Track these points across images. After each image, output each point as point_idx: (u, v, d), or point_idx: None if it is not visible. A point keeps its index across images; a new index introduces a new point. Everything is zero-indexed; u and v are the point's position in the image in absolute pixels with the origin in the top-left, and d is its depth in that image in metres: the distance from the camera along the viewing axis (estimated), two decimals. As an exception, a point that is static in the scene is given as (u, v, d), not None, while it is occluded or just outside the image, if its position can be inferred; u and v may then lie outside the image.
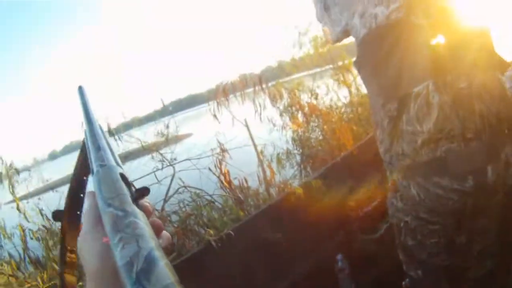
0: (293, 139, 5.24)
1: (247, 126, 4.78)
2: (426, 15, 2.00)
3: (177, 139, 4.82)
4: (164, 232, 0.75)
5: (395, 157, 2.18)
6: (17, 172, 3.82)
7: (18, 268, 3.62)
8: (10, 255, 3.70)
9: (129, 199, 0.67)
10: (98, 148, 0.80)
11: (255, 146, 4.73)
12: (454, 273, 2.28)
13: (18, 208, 3.77)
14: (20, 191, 3.89)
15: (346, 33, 2.37)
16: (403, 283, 2.83)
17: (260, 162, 4.69)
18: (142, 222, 0.63)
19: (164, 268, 0.56)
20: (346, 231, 3.94)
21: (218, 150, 4.47)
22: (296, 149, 5.19)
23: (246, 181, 4.44)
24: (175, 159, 4.49)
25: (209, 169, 4.40)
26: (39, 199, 4.21)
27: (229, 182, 4.32)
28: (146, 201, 0.74)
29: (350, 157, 4.29)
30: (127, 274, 0.56)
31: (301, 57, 6.19)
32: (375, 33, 2.12)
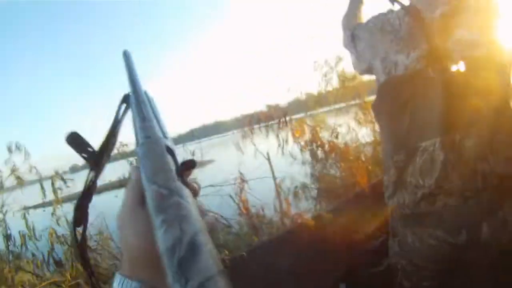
0: (311, 174, 5.39)
1: (268, 159, 4.94)
2: (444, 69, 2.02)
3: (199, 164, 4.96)
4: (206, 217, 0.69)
5: (397, 205, 2.24)
6: (63, 179, 3.99)
7: (40, 268, 3.82)
8: (34, 255, 3.86)
9: (174, 175, 0.65)
10: (143, 118, 0.77)
11: (274, 178, 4.89)
12: None
13: (53, 213, 3.97)
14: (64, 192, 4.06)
15: (369, 71, 2.38)
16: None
17: (278, 194, 4.85)
18: (187, 202, 0.62)
19: (208, 256, 0.56)
20: (352, 263, 4.07)
21: (239, 179, 4.60)
22: (313, 183, 5.33)
23: (263, 210, 4.62)
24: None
25: (230, 196, 4.57)
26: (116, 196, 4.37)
27: (247, 209, 4.51)
28: (194, 179, 0.74)
29: (362, 194, 4.42)
30: (169, 261, 0.55)
31: (328, 92, 6.31)
32: (393, 82, 2.17)
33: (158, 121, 0.79)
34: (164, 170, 0.66)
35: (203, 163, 5.00)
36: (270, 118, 4.95)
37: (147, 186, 0.64)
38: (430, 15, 2.15)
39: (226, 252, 3.57)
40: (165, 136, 0.76)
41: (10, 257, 3.78)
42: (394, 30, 2.20)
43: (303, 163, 5.43)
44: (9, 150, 3.81)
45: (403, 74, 2.12)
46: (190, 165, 0.71)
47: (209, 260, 0.55)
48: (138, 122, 0.78)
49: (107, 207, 3.99)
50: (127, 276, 0.67)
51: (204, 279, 0.52)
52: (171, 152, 0.71)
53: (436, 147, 2.01)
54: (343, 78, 6.25)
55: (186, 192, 0.64)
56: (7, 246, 3.82)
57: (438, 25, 2.13)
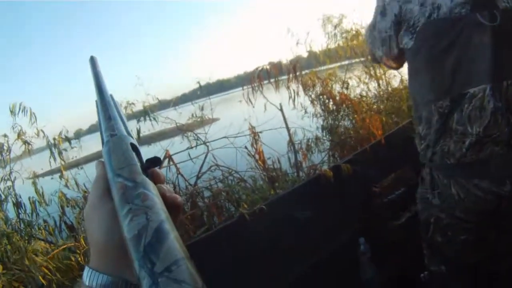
0: (323, 127, 5.33)
1: (281, 110, 4.88)
2: (492, 16, 1.97)
3: (207, 122, 4.90)
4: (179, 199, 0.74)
5: (439, 155, 2.19)
6: (68, 140, 3.94)
7: (53, 234, 3.80)
8: (45, 222, 3.83)
9: (139, 169, 0.69)
10: (108, 118, 0.81)
11: (288, 129, 4.84)
12: (480, 270, 2.35)
13: (61, 176, 3.92)
14: (71, 155, 4.09)
15: (398, 23, 2.26)
16: (422, 275, 2.90)
17: (292, 145, 4.80)
18: (152, 193, 0.65)
19: (174, 242, 0.58)
20: (370, 216, 4.04)
21: (252, 130, 4.55)
22: (326, 136, 5.27)
23: (279, 162, 4.60)
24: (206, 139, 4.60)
25: (246, 147, 4.54)
26: (81, 168, 4.34)
27: (264, 162, 4.47)
28: (157, 170, 0.75)
29: (378, 146, 4.38)
30: (135, 248, 0.57)
31: (333, 48, 6.25)
32: (436, 25, 2.09)
33: (123, 121, 0.83)
34: (129, 165, 0.69)
35: (209, 121, 4.91)
36: (280, 73, 4.85)
37: (112, 180, 0.68)
38: None
39: (245, 205, 3.50)
40: (129, 134, 0.80)
41: (22, 225, 3.72)
42: None
43: (315, 115, 5.35)
44: (12, 112, 3.68)
45: (447, 17, 2.05)
46: (154, 161, 0.74)
47: (175, 244, 0.57)
48: (103, 122, 0.81)
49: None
50: (94, 268, 0.70)
51: (170, 263, 0.54)
52: (135, 149, 0.76)
53: (486, 93, 1.97)
54: (346, 35, 6.16)
55: (151, 185, 0.67)
56: (18, 214, 3.77)
57: None
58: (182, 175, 4.30)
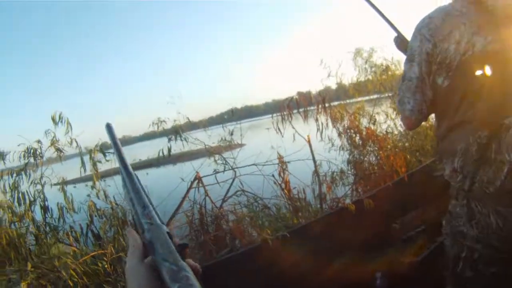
0: (349, 161, 5.39)
1: (309, 142, 4.94)
2: None
3: (234, 146, 4.97)
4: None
5: (478, 185, 2.21)
6: (103, 152, 4.00)
7: (79, 241, 3.89)
8: (72, 228, 3.91)
9: (179, 256, 0.89)
10: (143, 206, 1.01)
11: (314, 161, 4.91)
12: None
13: (92, 186, 3.99)
14: (106, 166, 4.11)
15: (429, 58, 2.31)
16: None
17: (317, 177, 4.87)
18: (190, 273, 0.85)
19: None
20: (389, 251, 4.08)
21: (280, 159, 4.64)
22: (350, 170, 5.33)
23: (304, 192, 4.67)
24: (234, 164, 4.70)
25: (273, 176, 4.62)
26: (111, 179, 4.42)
27: (289, 191, 4.56)
28: (192, 262, 0.94)
29: (401, 183, 4.44)
30: None
31: (363, 82, 6.33)
32: (472, 60, 2.16)
33: (154, 208, 1.03)
34: (171, 252, 0.89)
35: (235, 146, 4.98)
36: (309, 103, 4.92)
37: (161, 263, 0.87)
38: (491, 3, 2.20)
39: (268, 231, 3.59)
40: (162, 223, 0.99)
41: (48, 228, 3.84)
42: (462, 14, 2.22)
43: (341, 148, 5.40)
44: (53, 120, 3.81)
45: (483, 52, 2.14)
46: (184, 246, 0.94)
47: None
48: (139, 207, 1.02)
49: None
50: None
51: None
52: (170, 236, 0.95)
53: None
54: (375, 69, 6.24)
55: (187, 266, 0.86)
56: (44, 218, 3.87)
57: (501, 13, 2.18)
58: (209, 197, 4.41)
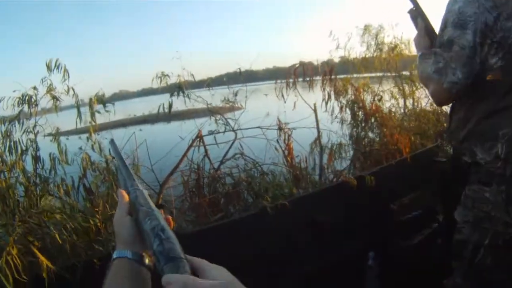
0: (351, 135, 5.31)
1: (315, 111, 4.90)
2: None
3: (236, 108, 4.86)
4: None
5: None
6: (103, 102, 3.85)
7: (70, 194, 3.68)
8: (63, 180, 3.72)
9: (154, 206, 1.19)
10: (133, 179, 1.35)
11: (318, 130, 4.88)
12: None
13: (88, 138, 3.84)
14: (100, 119, 3.90)
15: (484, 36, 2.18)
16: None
17: (320, 147, 4.83)
18: (160, 215, 1.14)
19: (170, 231, 1.07)
20: (384, 232, 4.06)
21: (285, 125, 4.61)
22: (351, 144, 5.27)
23: (306, 161, 4.63)
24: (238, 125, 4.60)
25: (277, 141, 4.54)
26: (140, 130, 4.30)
27: (292, 158, 4.51)
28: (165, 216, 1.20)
29: (403, 163, 4.41)
30: (151, 232, 1.05)
31: (370, 58, 6.25)
32: None
33: (137, 181, 1.37)
34: (148, 203, 1.21)
35: (239, 108, 4.87)
36: (315, 73, 4.83)
37: (140, 208, 1.18)
38: None
39: (268, 199, 3.52)
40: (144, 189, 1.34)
41: (38, 180, 3.68)
42: None
43: (343, 121, 5.32)
44: (48, 67, 3.63)
45: None
46: (161, 206, 1.27)
47: (170, 232, 1.08)
48: (128, 180, 1.36)
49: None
50: (122, 248, 1.17)
51: (168, 236, 1.04)
52: (149, 196, 1.28)
53: None
54: (381, 47, 6.17)
55: (159, 212, 1.17)
56: (35, 169, 3.73)
57: None
58: (209, 158, 4.33)
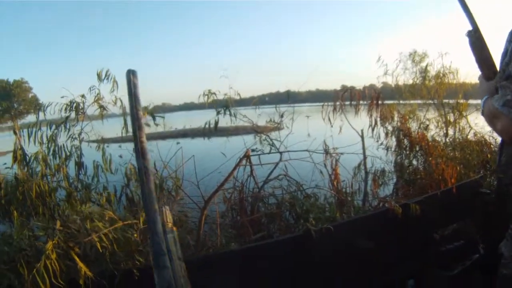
0: (395, 162, 5.26)
1: (362, 137, 4.92)
2: None
3: (279, 129, 4.84)
4: None
5: None
6: (152, 114, 3.87)
7: (112, 203, 3.78)
8: (105, 189, 3.83)
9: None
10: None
11: (364, 156, 4.89)
12: None
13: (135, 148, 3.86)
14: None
15: None
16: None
17: (365, 173, 4.84)
18: None
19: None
20: (425, 261, 4.03)
21: (333, 150, 4.63)
22: (395, 171, 5.22)
23: (352, 187, 4.62)
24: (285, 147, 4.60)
25: (324, 165, 4.55)
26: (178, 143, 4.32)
27: (338, 182, 4.51)
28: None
29: (449, 194, 4.34)
30: None
31: (418, 85, 6.21)
32: None
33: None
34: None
35: (279, 128, 4.85)
36: (362, 98, 4.81)
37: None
38: None
39: (313, 222, 3.51)
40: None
41: (79, 186, 3.78)
42: None
43: (388, 148, 5.27)
44: (99, 77, 3.72)
45: None
46: None
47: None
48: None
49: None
50: None
51: None
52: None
53: None
54: (424, 75, 6.13)
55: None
56: (78, 174, 3.81)
57: None
58: (254, 178, 4.35)
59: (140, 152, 1.47)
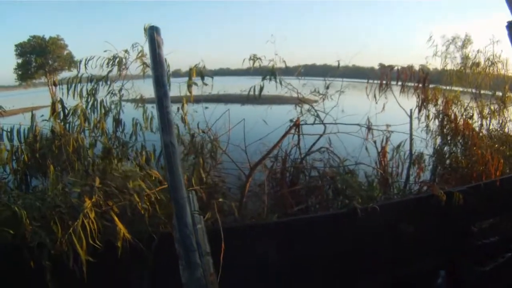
0: (436, 147, 5.16)
1: (411, 116, 4.83)
2: None
3: (312, 101, 4.73)
4: None
5: None
6: (202, 75, 3.82)
7: (150, 163, 3.73)
8: (144, 147, 3.79)
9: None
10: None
11: (411, 138, 4.79)
12: None
13: (180, 108, 3.85)
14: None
15: None
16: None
17: (410, 155, 4.74)
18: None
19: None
20: (459, 253, 3.99)
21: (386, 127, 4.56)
22: (436, 157, 5.12)
23: (397, 167, 4.55)
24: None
25: (374, 142, 4.48)
26: (206, 107, 4.28)
27: (386, 162, 4.45)
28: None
29: (492, 186, 4.27)
30: None
31: (462, 71, 6.03)
32: None
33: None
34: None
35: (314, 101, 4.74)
36: (409, 79, 4.73)
37: None
38: None
39: (359, 200, 3.53)
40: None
41: (117, 143, 3.74)
42: None
43: (431, 132, 5.19)
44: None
45: None
46: None
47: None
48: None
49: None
50: None
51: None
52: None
53: None
54: (470, 61, 5.93)
55: None
56: (115, 131, 3.78)
57: None
58: (299, 148, 4.29)
59: (166, 125, 1.24)
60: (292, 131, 4.18)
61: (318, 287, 3.33)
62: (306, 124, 4.40)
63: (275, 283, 3.10)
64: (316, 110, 4.46)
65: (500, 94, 5.89)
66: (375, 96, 4.63)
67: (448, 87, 5.87)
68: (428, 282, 3.71)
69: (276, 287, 3.15)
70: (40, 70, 53.61)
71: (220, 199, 3.30)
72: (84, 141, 3.48)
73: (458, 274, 3.82)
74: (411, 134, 4.81)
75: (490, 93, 6.04)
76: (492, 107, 5.80)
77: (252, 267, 2.92)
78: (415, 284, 3.62)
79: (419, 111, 4.94)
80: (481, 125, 5.72)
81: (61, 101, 3.60)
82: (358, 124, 4.49)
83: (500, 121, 5.88)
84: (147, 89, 3.96)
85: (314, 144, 4.34)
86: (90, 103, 3.69)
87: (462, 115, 5.38)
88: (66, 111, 3.61)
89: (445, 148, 5.17)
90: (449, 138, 5.14)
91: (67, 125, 3.62)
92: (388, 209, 3.57)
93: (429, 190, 3.98)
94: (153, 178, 3.14)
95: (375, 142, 4.50)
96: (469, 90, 6.10)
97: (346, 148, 4.43)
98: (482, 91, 5.99)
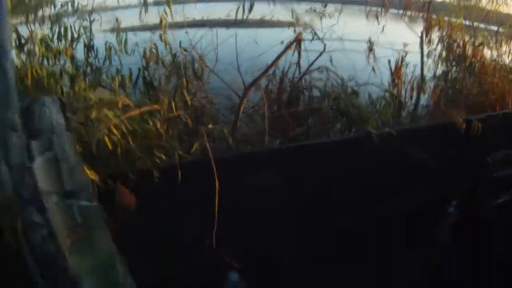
0: (441, 73, 4.87)
1: (422, 38, 4.60)
2: None
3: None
4: None
5: None
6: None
7: (126, 88, 3.39)
8: (119, 71, 3.41)
9: None
10: None
11: (422, 62, 4.57)
12: None
13: (158, 27, 3.51)
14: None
15: None
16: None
17: (422, 80, 4.52)
18: None
19: None
20: (473, 185, 3.78)
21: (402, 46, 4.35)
22: (433, 80, 4.81)
23: (412, 88, 4.35)
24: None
25: (389, 61, 4.20)
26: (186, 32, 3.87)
27: (400, 82, 4.23)
28: None
29: (509, 116, 4.10)
30: None
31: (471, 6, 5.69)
32: None
33: None
34: None
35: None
36: (411, 5, 4.73)
37: None
38: None
39: (374, 124, 3.32)
40: None
41: (88, 70, 3.41)
42: None
43: (433, 56, 4.88)
44: None
45: None
46: None
47: None
48: None
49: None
50: None
51: None
52: None
53: None
54: None
55: None
56: (87, 58, 3.43)
57: None
58: (299, 66, 3.94)
59: None
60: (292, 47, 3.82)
61: (329, 221, 3.10)
62: (308, 40, 4.02)
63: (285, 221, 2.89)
64: (313, 28, 4.11)
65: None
66: (377, 18, 4.45)
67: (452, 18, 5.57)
68: (439, 209, 3.57)
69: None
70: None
71: (210, 126, 2.99)
72: (44, 71, 2.99)
73: (471, 205, 3.66)
74: (422, 56, 4.59)
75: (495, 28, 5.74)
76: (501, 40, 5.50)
77: (253, 207, 2.69)
78: (427, 211, 3.47)
79: (426, 35, 4.68)
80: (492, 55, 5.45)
81: (15, 28, 3.14)
82: (368, 41, 4.30)
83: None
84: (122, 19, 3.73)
85: (314, 61, 3.98)
86: (57, 31, 3.36)
87: (469, 42, 5.06)
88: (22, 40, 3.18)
89: (452, 70, 4.91)
90: (454, 63, 4.90)
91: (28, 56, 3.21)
92: (405, 134, 3.40)
93: (444, 117, 3.80)
94: (129, 103, 2.61)
95: (389, 61, 4.21)
96: (474, 24, 5.82)
97: (349, 69, 4.08)
98: (486, 26, 5.70)
